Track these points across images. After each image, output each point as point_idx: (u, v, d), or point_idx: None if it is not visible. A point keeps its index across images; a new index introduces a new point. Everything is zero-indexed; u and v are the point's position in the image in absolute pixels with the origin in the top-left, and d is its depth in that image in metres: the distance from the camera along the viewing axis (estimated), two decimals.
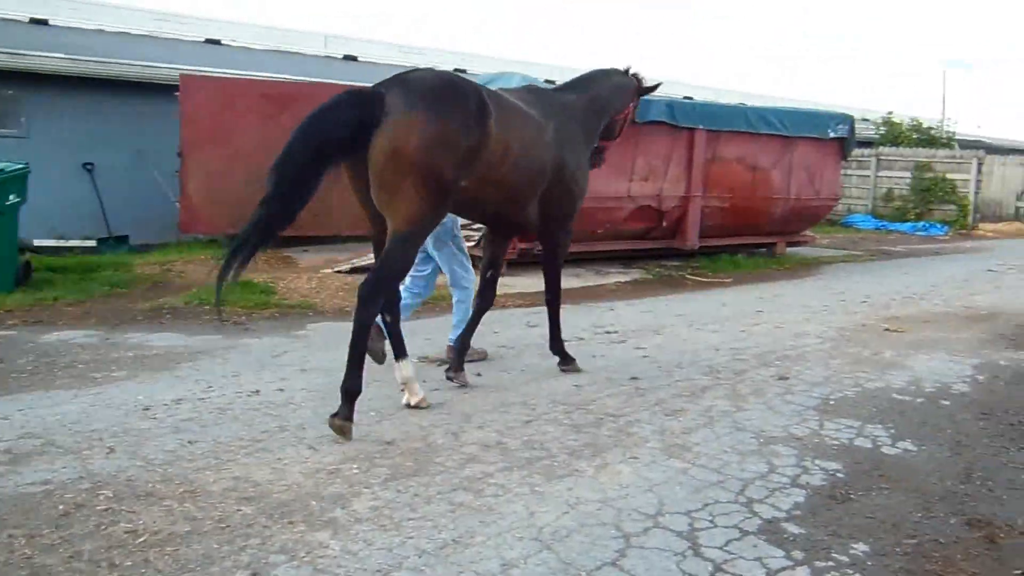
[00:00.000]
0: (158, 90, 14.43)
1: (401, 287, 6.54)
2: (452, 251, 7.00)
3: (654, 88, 7.53)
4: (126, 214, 14.20)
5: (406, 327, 6.11)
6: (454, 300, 7.11)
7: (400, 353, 5.81)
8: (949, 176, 24.98)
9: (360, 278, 10.59)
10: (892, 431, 5.70)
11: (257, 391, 6.13)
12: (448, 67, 23.12)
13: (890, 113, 30.54)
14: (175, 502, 4.21)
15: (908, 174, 25.46)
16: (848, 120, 16.28)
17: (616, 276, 12.74)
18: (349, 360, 5.29)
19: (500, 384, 6.50)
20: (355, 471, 4.69)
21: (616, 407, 6.01)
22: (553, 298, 6.87)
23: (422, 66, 6.59)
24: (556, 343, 6.99)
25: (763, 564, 3.80)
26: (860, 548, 4.00)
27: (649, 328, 8.79)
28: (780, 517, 4.30)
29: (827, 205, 16.87)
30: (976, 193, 25.10)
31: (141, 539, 3.81)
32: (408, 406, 5.80)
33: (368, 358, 5.61)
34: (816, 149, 15.79)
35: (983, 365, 7.65)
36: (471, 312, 6.67)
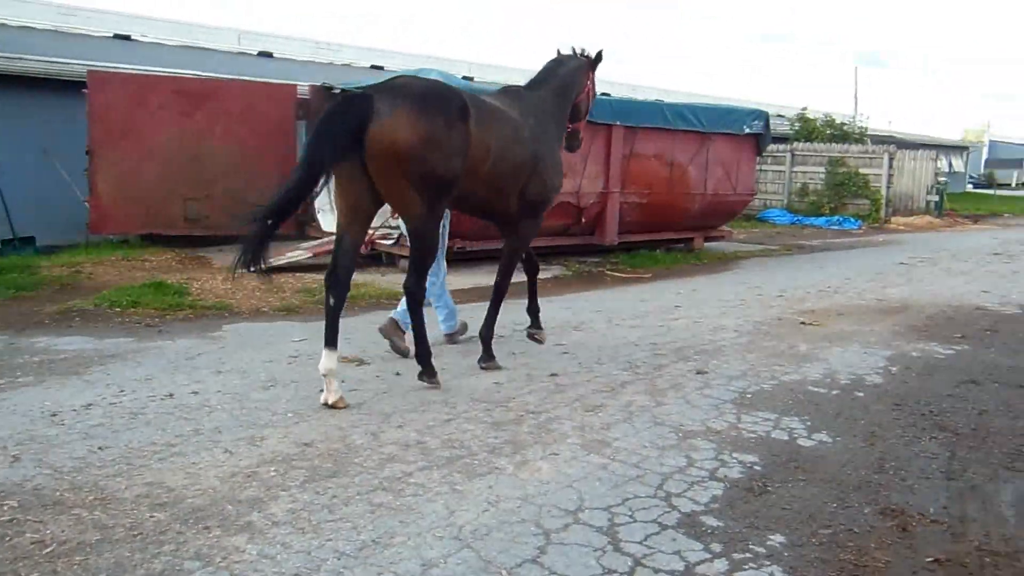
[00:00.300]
0: (65, 87, 13.98)
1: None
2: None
3: (600, 57, 7.68)
4: (32, 214, 13.69)
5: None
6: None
7: (330, 341, 5.93)
8: (862, 171, 25.62)
9: (280, 277, 10.55)
10: (808, 423, 5.81)
11: (171, 394, 5.98)
12: (364, 64, 23.04)
13: (804, 109, 31.16)
14: (85, 510, 4.09)
15: (822, 169, 26.05)
16: (763, 116, 16.59)
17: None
18: (416, 337, 6.30)
19: (420, 383, 6.43)
20: (272, 474, 4.61)
21: (536, 404, 6.01)
22: (503, 280, 7.14)
23: (337, 63, 6.58)
24: (488, 329, 7.09)
25: (682, 557, 3.83)
26: (777, 539, 4.05)
27: (568, 324, 8.81)
28: (699, 510, 4.34)
29: (743, 200, 17.14)
30: (888, 187, 25.78)
31: (48, 549, 3.69)
32: (324, 404, 5.83)
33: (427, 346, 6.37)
34: (732, 145, 16.04)
35: (896, 356, 7.84)
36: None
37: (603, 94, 22.96)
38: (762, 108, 17.96)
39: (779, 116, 29.58)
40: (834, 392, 6.61)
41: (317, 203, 14.09)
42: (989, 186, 58.45)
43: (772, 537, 4.07)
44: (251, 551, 3.74)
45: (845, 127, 31.12)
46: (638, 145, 14.44)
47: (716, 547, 3.94)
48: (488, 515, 4.18)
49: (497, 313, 7.15)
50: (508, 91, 7.32)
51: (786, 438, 5.50)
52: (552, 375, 6.80)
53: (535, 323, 7.52)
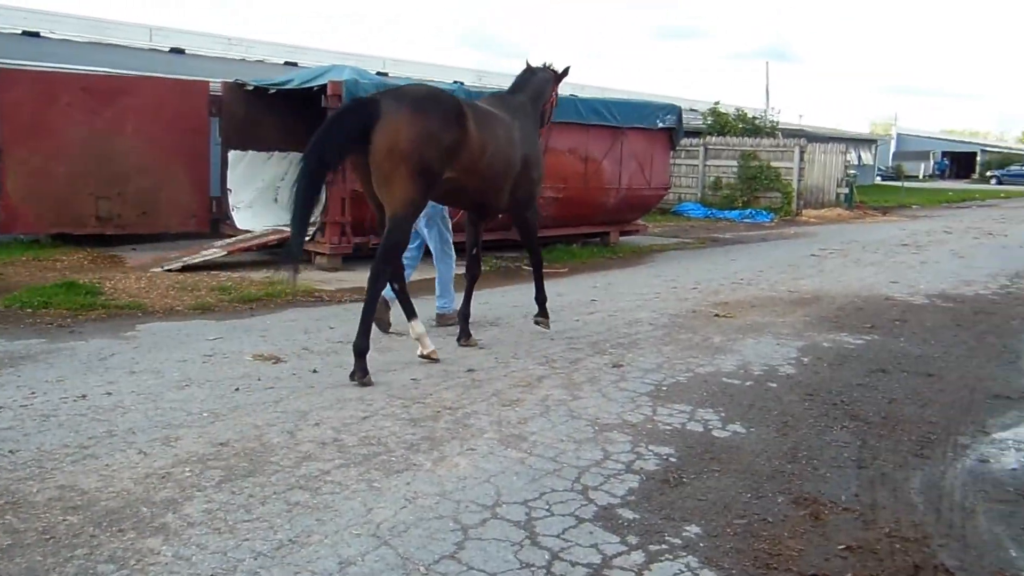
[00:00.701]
0: None
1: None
2: (440, 231, 8.40)
3: (566, 72, 8.54)
4: None
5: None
6: (437, 273, 8.47)
7: (411, 315, 6.99)
8: (774, 164, 26.12)
9: (194, 276, 10.36)
10: (722, 414, 5.90)
11: (84, 396, 5.82)
12: (278, 60, 22.74)
13: (717, 103, 31.64)
14: None
15: (735, 163, 26.49)
16: (676, 110, 16.79)
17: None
18: (361, 324, 6.46)
19: (337, 380, 6.38)
20: (187, 474, 4.52)
21: (453, 400, 6.00)
22: (537, 264, 8.18)
23: (250, 59, 6.58)
24: (541, 295, 8.12)
25: (599, 550, 3.85)
26: (692, 530, 4.10)
27: (485, 319, 8.80)
28: (615, 503, 4.37)
29: (658, 194, 17.34)
30: (799, 180, 26.35)
31: None
32: (421, 356, 6.92)
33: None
34: (646, 139, 16.19)
35: (807, 347, 8.02)
36: (466, 285, 7.81)
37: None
38: (675, 103, 18.19)
39: (692, 110, 30.05)
40: (748, 383, 6.73)
41: (232, 200, 13.89)
42: (897, 178, 60.08)
43: (688, 528, 4.12)
44: (166, 553, 3.67)
45: (757, 121, 31.73)
46: (553, 140, 14.45)
47: (632, 539, 3.98)
48: (406, 512, 4.16)
49: (542, 288, 8.16)
50: (496, 96, 8.24)
51: (701, 430, 5.57)
52: (469, 370, 6.79)
53: (465, 328, 7.83)
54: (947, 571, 3.82)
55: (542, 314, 8.16)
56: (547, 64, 8.46)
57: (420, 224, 8.08)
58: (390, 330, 8.00)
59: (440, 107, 6.62)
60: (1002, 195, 49.09)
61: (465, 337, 7.73)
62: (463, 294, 7.85)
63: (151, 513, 4.05)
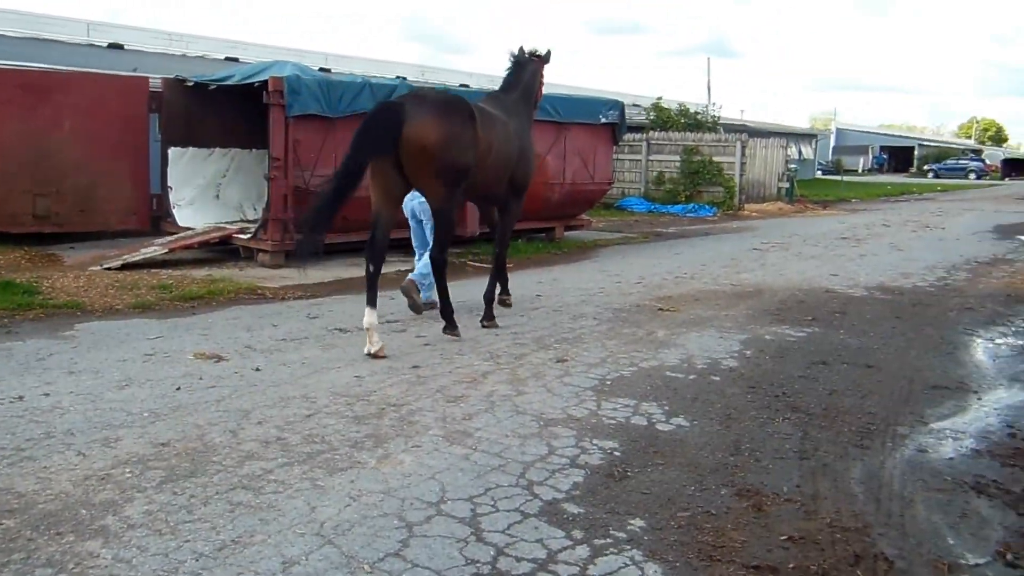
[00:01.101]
0: None
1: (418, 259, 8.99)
2: (419, 230, 9.04)
3: (548, 56, 9.13)
4: None
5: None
6: (421, 264, 8.80)
7: (371, 301, 7.12)
8: (716, 159, 26.39)
9: (134, 274, 10.17)
10: (666, 408, 5.94)
11: (21, 397, 5.71)
12: (219, 56, 22.41)
13: (659, 99, 31.82)
14: None
15: (678, 158, 26.69)
16: (619, 106, 16.85)
17: (397, 265, 12.58)
18: (440, 296, 7.86)
19: (280, 378, 6.32)
20: (127, 475, 4.45)
21: (398, 396, 5.96)
22: (501, 251, 8.78)
23: (191, 54, 6.51)
24: (490, 292, 8.55)
25: (544, 545, 3.86)
26: (637, 524, 4.13)
27: (430, 316, 8.72)
28: (560, 498, 4.38)
29: (601, 189, 17.41)
30: (741, 175, 26.65)
31: None
32: (368, 354, 7.01)
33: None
34: (589, 134, 16.24)
35: (750, 340, 8.11)
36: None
37: (462, 85, 23.08)
38: (618, 98, 18.26)
39: (635, 106, 30.18)
40: (691, 377, 6.78)
41: (173, 198, 13.67)
42: (837, 172, 61.16)
43: (632, 522, 4.14)
44: (106, 555, 3.61)
45: (699, 116, 31.95)
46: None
47: (578, 534, 3.99)
48: (350, 510, 4.13)
49: (498, 279, 8.71)
50: (492, 97, 8.77)
51: (645, 423, 5.61)
52: (414, 367, 6.76)
53: (490, 310, 8.53)
54: (886, 560, 3.88)
55: (487, 317, 8.47)
56: (531, 53, 8.98)
57: (424, 217, 8.77)
58: (423, 311, 8.67)
59: (457, 110, 7.43)
60: (939, 188, 50.24)
61: (488, 319, 8.42)
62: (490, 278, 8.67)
63: (90, 515, 3.98)
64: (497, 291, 8.74)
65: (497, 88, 8.93)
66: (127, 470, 4.52)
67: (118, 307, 8.77)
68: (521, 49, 8.91)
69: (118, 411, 5.46)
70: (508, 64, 8.86)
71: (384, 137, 6.98)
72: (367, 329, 7.05)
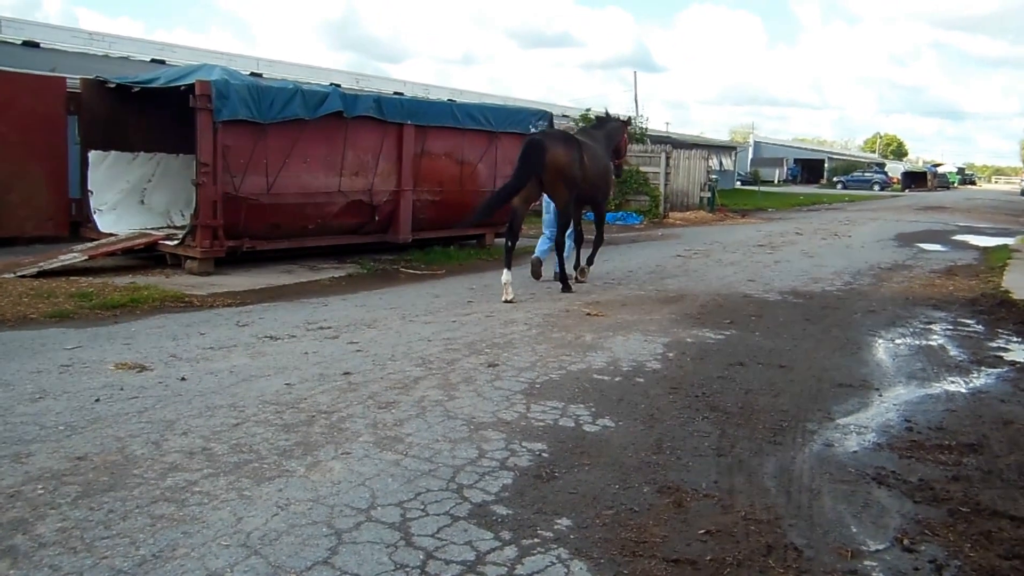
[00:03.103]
0: None
1: (541, 241, 12.40)
2: (551, 221, 12.13)
3: (630, 120, 14.57)
4: None
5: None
6: (546, 245, 12.13)
7: (508, 265, 10.69)
8: (642, 169, 26.74)
9: (51, 282, 9.83)
10: (593, 409, 5.98)
11: None
12: (144, 58, 21.91)
13: (588, 110, 32.08)
14: None
15: None
16: (547, 116, 17.00)
17: (330, 271, 12.54)
18: (559, 271, 11.53)
19: (207, 387, 6.17)
20: (40, 492, 4.26)
21: (328, 403, 5.88)
22: (598, 241, 12.41)
23: (115, 55, 6.28)
24: (591, 260, 12.51)
25: (473, 547, 3.85)
26: (564, 523, 4.14)
27: (362, 322, 8.69)
28: (489, 500, 4.38)
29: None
30: (666, 184, 27.06)
31: None
32: (504, 301, 10.31)
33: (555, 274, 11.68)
34: (520, 144, 16.20)
35: (672, 343, 8.21)
36: (572, 248, 12.05)
37: (396, 93, 22.98)
38: (548, 109, 18.38)
39: (564, 116, 30.41)
40: (617, 379, 6.84)
41: (94, 203, 13.30)
42: (755, 183, 62.36)
43: (559, 521, 4.16)
44: None
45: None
46: (429, 144, 14.45)
47: (506, 535, 3.99)
48: (278, 519, 4.05)
49: (593, 254, 12.38)
50: (584, 131, 13.11)
51: (572, 425, 5.63)
52: (345, 373, 6.68)
53: (583, 270, 12.28)
54: (796, 549, 3.98)
55: (584, 272, 12.27)
56: (616, 116, 13.66)
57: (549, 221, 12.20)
58: (540, 279, 11.79)
59: (574, 144, 11.10)
60: (847, 199, 51.74)
61: (582, 274, 12.23)
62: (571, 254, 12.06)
63: None
64: (583, 264, 12.25)
65: (583, 124, 11.72)
66: (39, 486, 4.32)
67: (33, 316, 8.41)
68: (607, 112, 13.71)
69: (30, 425, 5.22)
70: (599, 115, 14.60)
71: (538, 161, 10.52)
72: (505, 284, 10.47)
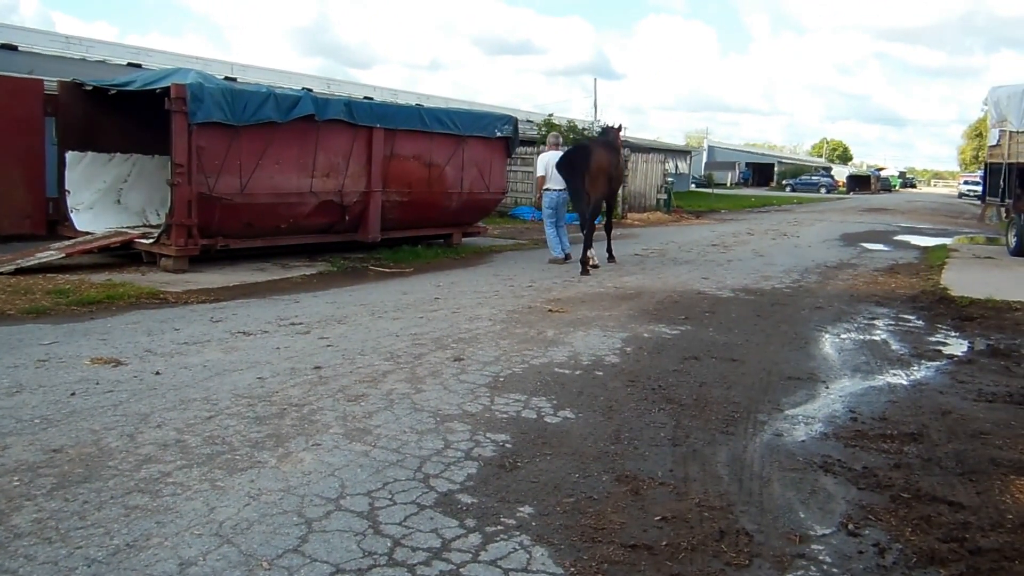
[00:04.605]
0: None
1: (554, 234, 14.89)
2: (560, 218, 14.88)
3: (620, 127, 15.74)
4: None
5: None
6: (556, 234, 14.83)
7: (588, 247, 13.32)
8: None
9: (29, 279, 9.68)
10: (554, 402, 5.97)
11: None
12: (120, 61, 21.62)
13: (551, 115, 32.27)
14: None
15: None
16: (512, 121, 17.01)
17: (302, 269, 12.44)
18: (584, 248, 13.32)
19: (181, 381, 6.09)
20: (15, 484, 4.18)
21: (299, 397, 5.83)
22: (609, 227, 15.29)
23: (91, 59, 6.15)
24: (608, 248, 15.08)
25: (439, 535, 3.83)
26: (526, 511, 4.13)
27: (333, 318, 8.63)
28: (455, 489, 4.36)
29: (496, 198, 17.48)
30: (624, 187, 27.03)
31: None
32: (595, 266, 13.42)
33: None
34: (485, 147, 16.31)
35: (630, 338, 8.23)
36: (586, 235, 13.44)
37: (366, 98, 22.84)
38: (512, 114, 18.38)
39: (528, 121, 30.47)
40: (577, 372, 6.84)
41: (71, 202, 13.11)
42: (708, 186, 62.85)
43: (521, 509, 4.15)
44: None
45: (586, 132, 32.41)
46: (398, 146, 14.39)
47: (470, 522, 3.97)
48: (249, 509, 4.00)
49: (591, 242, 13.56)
50: (598, 141, 15.05)
51: (535, 416, 5.63)
52: (316, 368, 6.62)
53: (585, 260, 13.42)
54: (747, 534, 4.00)
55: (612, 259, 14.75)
56: (611, 126, 15.71)
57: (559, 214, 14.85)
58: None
59: (609, 148, 14.04)
60: (795, 201, 52.26)
61: (611, 260, 14.74)
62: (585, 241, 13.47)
63: None
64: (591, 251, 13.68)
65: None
66: (15, 478, 4.24)
67: (10, 312, 8.27)
68: (607, 125, 16.64)
69: (6, 418, 5.12)
70: (603, 127, 17.50)
71: (585, 163, 13.15)
72: (592, 255, 13.50)
